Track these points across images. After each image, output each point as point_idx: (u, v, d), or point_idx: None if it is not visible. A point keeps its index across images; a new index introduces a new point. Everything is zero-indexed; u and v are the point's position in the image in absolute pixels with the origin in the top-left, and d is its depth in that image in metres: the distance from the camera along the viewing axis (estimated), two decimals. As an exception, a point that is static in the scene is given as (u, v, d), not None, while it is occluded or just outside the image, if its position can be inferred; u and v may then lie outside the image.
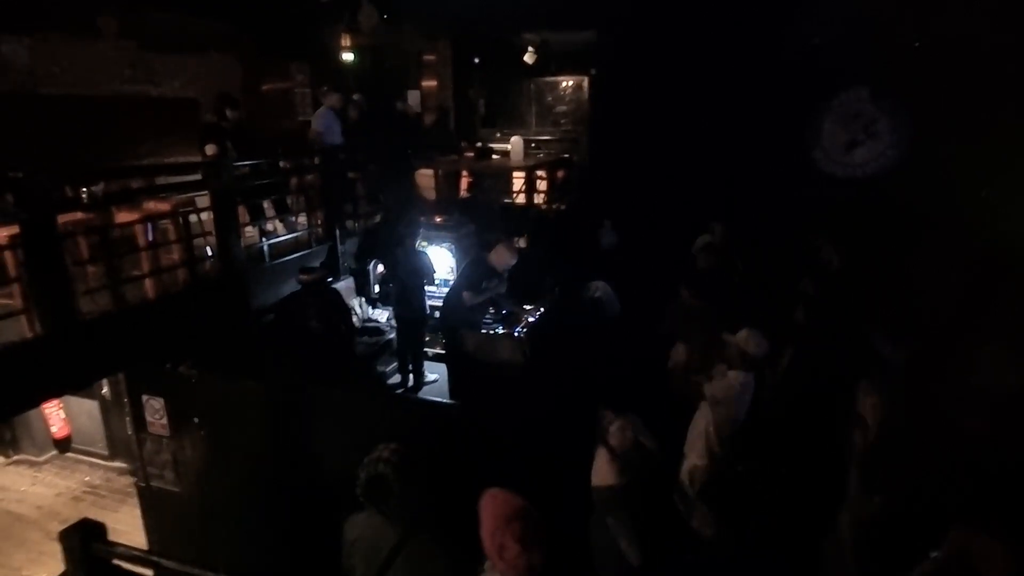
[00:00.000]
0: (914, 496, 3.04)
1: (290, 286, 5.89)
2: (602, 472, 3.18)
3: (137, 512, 5.20)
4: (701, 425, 4.22)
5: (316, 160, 6.65)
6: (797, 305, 5.14)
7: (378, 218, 7.53)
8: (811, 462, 4.14)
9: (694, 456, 4.22)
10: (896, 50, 8.68)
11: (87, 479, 6.99)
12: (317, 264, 6.28)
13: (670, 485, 4.26)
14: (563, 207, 9.30)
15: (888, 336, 4.99)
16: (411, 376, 6.40)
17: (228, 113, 5.90)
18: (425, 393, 6.14)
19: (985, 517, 2.71)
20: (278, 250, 5.88)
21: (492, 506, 2.61)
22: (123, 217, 4.58)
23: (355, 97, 8.52)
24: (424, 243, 6.80)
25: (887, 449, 3.14)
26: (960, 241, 7.08)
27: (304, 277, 5.36)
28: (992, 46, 7.70)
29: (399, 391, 6.30)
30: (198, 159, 5.93)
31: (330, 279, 6.13)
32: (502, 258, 5.54)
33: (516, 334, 5.46)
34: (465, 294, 5.36)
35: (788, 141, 9.50)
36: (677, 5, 9.24)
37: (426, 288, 6.20)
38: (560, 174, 9.71)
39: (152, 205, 4.74)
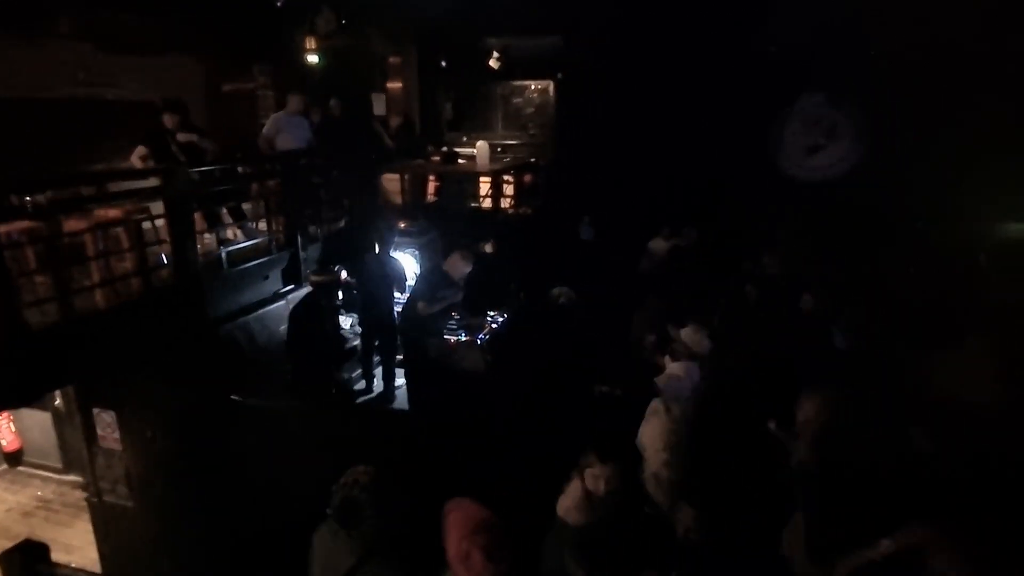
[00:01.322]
0: (862, 500, 3.11)
1: (250, 294, 5.82)
2: (570, 507, 3.16)
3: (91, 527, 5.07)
4: (652, 420, 4.28)
5: (277, 165, 6.55)
6: (731, 308, 5.30)
7: (342, 223, 7.45)
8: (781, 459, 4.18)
9: (653, 455, 4.26)
10: (853, 57, 8.94)
11: (39, 493, 6.78)
12: (279, 271, 6.23)
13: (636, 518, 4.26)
14: (530, 212, 9.33)
15: (844, 331, 5.13)
16: (377, 383, 6.37)
17: (172, 118, 5.74)
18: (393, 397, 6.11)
19: (943, 516, 2.77)
20: (237, 257, 5.77)
21: (457, 517, 2.60)
22: (72, 225, 4.46)
23: (332, 102, 8.43)
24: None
25: (829, 457, 3.21)
26: (921, 243, 7.32)
27: (317, 278, 5.37)
28: (950, 54, 7.97)
29: (364, 398, 6.26)
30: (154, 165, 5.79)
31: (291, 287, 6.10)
32: (456, 266, 5.48)
33: (479, 341, 5.46)
34: (420, 304, 5.30)
35: (751, 145, 9.68)
36: (641, 11, 9.35)
37: (395, 294, 6.17)
38: (527, 178, 9.74)
39: (102, 212, 4.61)
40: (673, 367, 4.18)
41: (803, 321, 5.29)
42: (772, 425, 3.59)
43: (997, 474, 3.27)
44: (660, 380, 4.18)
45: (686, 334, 4.25)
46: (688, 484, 4.20)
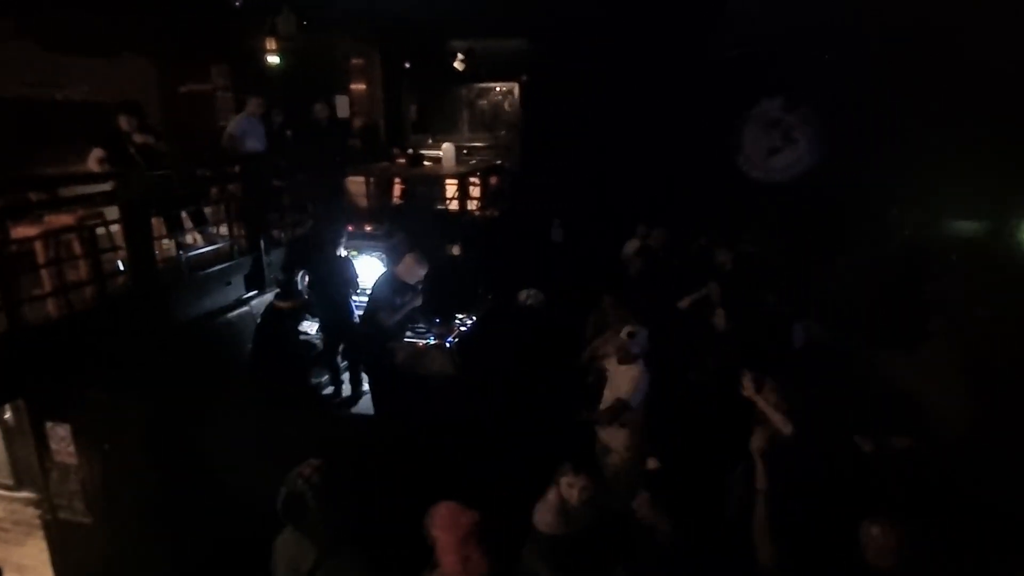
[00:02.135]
0: (816, 490, 3.18)
1: (211, 300, 5.68)
2: (545, 517, 3.17)
3: (46, 546, 4.87)
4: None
5: (237, 168, 6.41)
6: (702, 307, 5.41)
7: (306, 227, 7.33)
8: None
9: (615, 448, 4.30)
10: (809, 62, 9.19)
11: (-11, 512, 6.47)
12: (242, 277, 6.10)
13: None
14: (496, 214, 9.33)
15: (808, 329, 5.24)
16: (345, 387, 6.28)
17: (129, 120, 5.56)
18: (362, 402, 6.03)
19: (884, 508, 2.85)
20: (198, 263, 5.62)
21: (450, 520, 2.61)
22: (21, 232, 4.28)
23: (317, 107, 8.28)
24: (353, 252, 6.66)
25: (787, 447, 3.28)
26: (879, 242, 7.52)
27: (284, 304, 5.42)
28: (901, 60, 8.24)
29: (332, 402, 6.18)
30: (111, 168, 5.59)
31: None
32: (410, 270, 5.34)
33: (448, 344, 5.42)
34: (381, 315, 5.18)
35: (713, 147, 9.87)
36: (605, 15, 9.45)
37: (351, 296, 6.09)
38: (493, 181, 9.75)
39: (53, 219, 4.44)
40: (633, 370, 4.21)
41: (763, 319, 5.39)
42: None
43: (957, 473, 3.38)
44: (626, 387, 4.20)
45: (639, 335, 4.26)
46: (645, 471, 4.25)
